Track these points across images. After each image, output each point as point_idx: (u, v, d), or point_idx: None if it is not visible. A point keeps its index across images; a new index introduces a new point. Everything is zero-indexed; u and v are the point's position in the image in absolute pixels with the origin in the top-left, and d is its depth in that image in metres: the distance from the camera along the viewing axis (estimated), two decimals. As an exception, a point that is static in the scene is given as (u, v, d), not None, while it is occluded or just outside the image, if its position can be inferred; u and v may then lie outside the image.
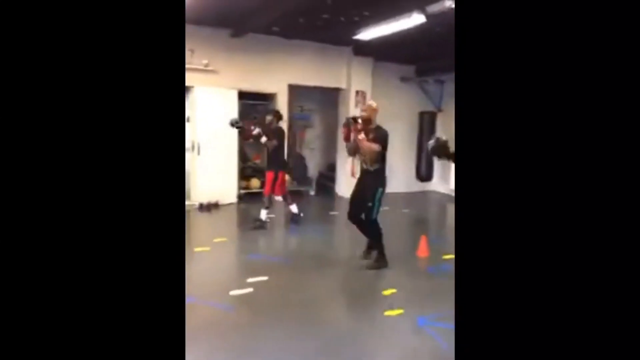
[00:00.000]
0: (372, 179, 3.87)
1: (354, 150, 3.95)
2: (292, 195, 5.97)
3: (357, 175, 4.07)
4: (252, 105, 7.21)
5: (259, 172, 7.28)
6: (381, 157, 3.83)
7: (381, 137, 3.81)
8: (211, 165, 6.54)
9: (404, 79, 8.19)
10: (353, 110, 7.28)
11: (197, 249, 4.42)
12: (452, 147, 2.92)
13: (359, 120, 3.87)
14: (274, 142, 5.16)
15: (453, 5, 4.31)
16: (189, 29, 6.08)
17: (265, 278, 3.63)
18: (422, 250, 4.45)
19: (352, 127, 3.86)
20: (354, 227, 4.10)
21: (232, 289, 3.37)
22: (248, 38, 6.45)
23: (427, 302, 3.29)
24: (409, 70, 8.17)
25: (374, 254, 4.07)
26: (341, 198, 7.53)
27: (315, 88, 7.51)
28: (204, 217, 6.04)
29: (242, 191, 7.08)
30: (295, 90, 7.33)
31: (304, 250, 4.73)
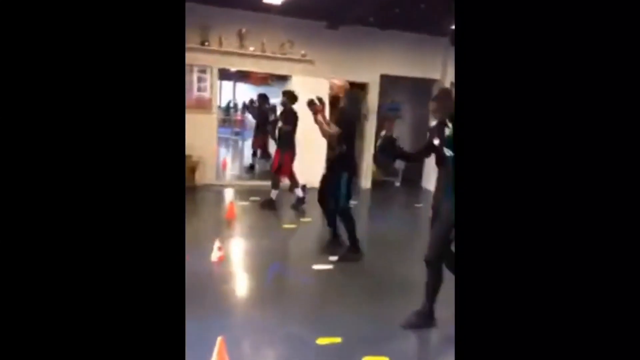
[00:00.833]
0: (336, 164, 3.60)
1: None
2: (377, 185, 6.07)
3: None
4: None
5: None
6: (345, 140, 3.52)
7: (345, 119, 3.53)
8: (303, 151, 6.91)
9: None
10: (446, 102, 7.10)
11: (285, 226, 4.80)
12: (401, 144, 2.72)
13: (317, 102, 3.65)
14: (288, 127, 4.99)
15: None
16: (289, 22, 6.51)
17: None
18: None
19: (316, 109, 3.63)
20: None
21: (314, 264, 3.64)
22: (344, 29, 6.64)
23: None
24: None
25: (345, 245, 3.81)
26: (426, 190, 7.42)
27: (408, 79, 7.46)
28: (293, 197, 6.45)
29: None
30: (387, 81, 7.35)
31: (384, 239, 4.83)
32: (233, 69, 7.19)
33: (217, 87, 6.84)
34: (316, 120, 3.64)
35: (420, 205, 6.49)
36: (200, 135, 6.31)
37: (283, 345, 2.40)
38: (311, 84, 6.76)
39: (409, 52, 7.16)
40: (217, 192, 6.44)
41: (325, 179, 3.80)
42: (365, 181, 7.44)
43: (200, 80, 6.40)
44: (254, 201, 5.74)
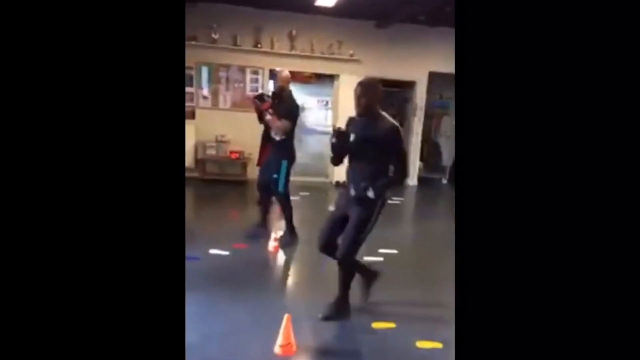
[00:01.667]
0: (277, 151, 3.77)
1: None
2: (423, 182, 6.10)
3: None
4: (391, 92, 7.48)
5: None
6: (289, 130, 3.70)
7: (290, 111, 3.64)
8: (349, 148, 7.07)
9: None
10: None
11: (334, 220, 4.97)
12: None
13: (266, 99, 3.76)
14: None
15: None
16: (338, 22, 6.67)
17: (395, 251, 3.95)
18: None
19: (262, 107, 3.75)
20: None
21: (364, 255, 3.78)
22: (393, 28, 6.71)
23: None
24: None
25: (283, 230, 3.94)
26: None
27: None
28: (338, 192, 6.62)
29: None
30: (435, 78, 7.34)
31: (428, 235, 4.88)
32: (279, 70, 7.44)
33: (268, 87, 7.11)
34: (264, 118, 3.81)
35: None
36: (252, 132, 6.62)
37: (340, 327, 2.56)
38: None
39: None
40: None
41: (264, 164, 4.05)
42: (412, 178, 7.48)
43: (252, 81, 6.71)
44: (303, 196, 5.96)
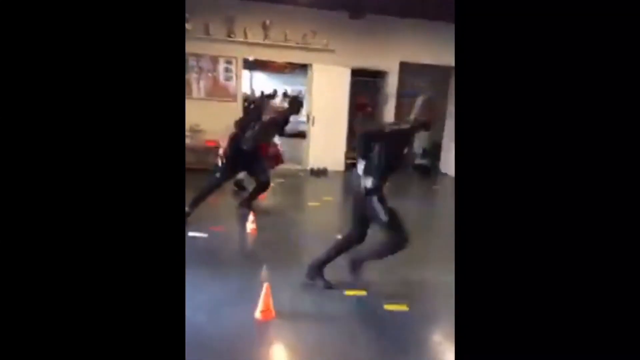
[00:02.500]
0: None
1: None
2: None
3: None
4: (364, 82, 7.70)
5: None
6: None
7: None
8: (323, 136, 7.25)
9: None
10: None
11: (310, 204, 5.16)
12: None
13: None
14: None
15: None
16: (312, 13, 6.79)
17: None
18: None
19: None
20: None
21: (337, 233, 4.00)
22: (366, 19, 6.90)
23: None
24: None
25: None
26: (445, 175, 7.70)
27: (426, 66, 7.67)
28: (314, 180, 6.81)
29: (349, 161, 7.69)
30: (406, 68, 7.59)
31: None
32: (251, 58, 7.50)
33: (242, 77, 7.19)
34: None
35: (438, 187, 6.77)
36: (226, 122, 6.70)
37: (315, 295, 2.76)
38: (331, 72, 7.08)
39: (427, 40, 7.38)
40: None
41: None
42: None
43: (226, 70, 6.78)
44: (280, 183, 6.11)
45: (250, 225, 3.97)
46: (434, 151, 8.39)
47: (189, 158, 6.80)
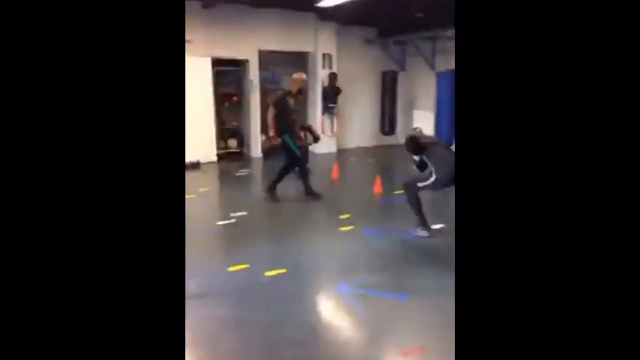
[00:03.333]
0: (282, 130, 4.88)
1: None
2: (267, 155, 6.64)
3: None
4: (225, 71, 7.78)
5: (236, 134, 7.99)
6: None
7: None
8: (190, 129, 7.17)
9: (367, 41, 8.82)
10: (321, 72, 8.01)
11: (186, 196, 5.19)
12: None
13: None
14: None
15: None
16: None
17: (244, 213, 4.44)
18: (377, 187, 5.32)
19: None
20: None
21: (218, 221, 4.18)
22: (218, 8, 6.95)
23: (373, 221, 4.18)
24: (372, 32, 8.81)
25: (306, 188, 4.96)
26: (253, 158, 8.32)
27: (284, 53, 8.09)
28: (188, 173, 6.75)
29: (222, 151, 7.77)
30: (265, 56, 7.89)
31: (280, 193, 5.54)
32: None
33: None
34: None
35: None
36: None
37: (198, 275, 2.95)
38: (192, 63, 7.00)
39: (282, 28, 7.77)
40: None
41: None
42: (256, 151, 8.01)
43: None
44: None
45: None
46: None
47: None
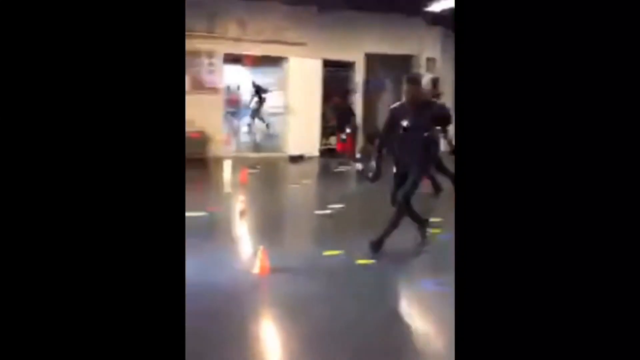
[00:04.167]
0: None
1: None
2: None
3: None
4: (334, 72, 8.30)
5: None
6: None
7: None
8: (299, 125, 7.85)
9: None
10: (424, 75, 8.11)
11: (290, 185, 5.81)
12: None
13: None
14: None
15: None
16: (284, 9, 7.29)
17: (341, 205, 4.86)
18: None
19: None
20: None
21: (316, 210, 4.66)
22: (333, 13, 7.47)
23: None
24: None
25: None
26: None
27: (389, 56, 8.32)
28: (293, 166, 7.43)
29: (323, 147, 8.33)
30: (371, 59, 8.22)
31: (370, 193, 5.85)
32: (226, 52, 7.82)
33: (223, 71, 7.66)
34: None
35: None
36: (209, 113, 7.20)
37: (296, 256, 3.41)
38: (306, 64, 7.66)
39: (389, 32, 8.02)
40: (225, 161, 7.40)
41: None
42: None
43: (209, 64, 7.26)
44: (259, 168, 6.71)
45: (240, 206, 4.58)
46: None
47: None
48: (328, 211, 4.65)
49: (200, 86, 7.16)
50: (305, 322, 2.53)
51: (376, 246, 3.39)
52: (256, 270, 3.02)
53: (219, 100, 7.46)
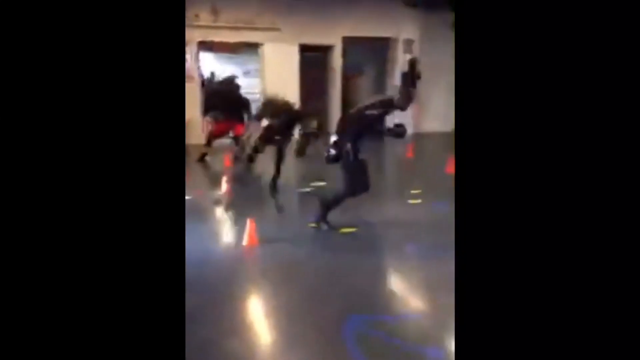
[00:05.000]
0: None
1: None
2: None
3: None
4: (311, 56, 8.37)
5: (316, 116, 8.62)
6: None
7: None
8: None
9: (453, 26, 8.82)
10: (402, 57, 8.27)
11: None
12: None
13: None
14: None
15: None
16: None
17: (324, 183, 5.00)
18: (450, 167, 5.54)
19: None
20: None
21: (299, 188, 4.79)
22: (307, -2, 7.53)
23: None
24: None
25: None
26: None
27: (366, 39, 8.44)
28: (272, 148, 7.49)
29: (302, 130, 8.43)
30: (348, 42, 8.32)
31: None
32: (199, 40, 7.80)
33: (197, 59, 7.63)
34: None
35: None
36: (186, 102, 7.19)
37: (284, 228, 3.54)
38: (281, 50, 7.71)
39: (365, 15, 8.12)
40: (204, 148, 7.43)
41: None
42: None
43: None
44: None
45: (224, 186, 4.67)
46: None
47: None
48: (308, 189, 4.80)
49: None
50: (295, 285, 2.69)
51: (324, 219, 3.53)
52: (245, 242, 3.15)
53: (194, 88, 7.45)
